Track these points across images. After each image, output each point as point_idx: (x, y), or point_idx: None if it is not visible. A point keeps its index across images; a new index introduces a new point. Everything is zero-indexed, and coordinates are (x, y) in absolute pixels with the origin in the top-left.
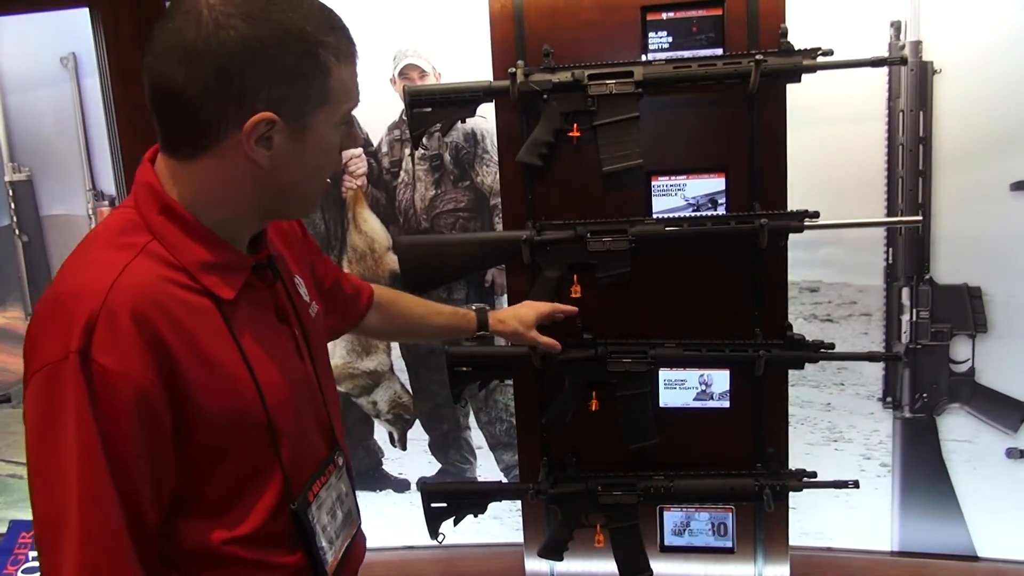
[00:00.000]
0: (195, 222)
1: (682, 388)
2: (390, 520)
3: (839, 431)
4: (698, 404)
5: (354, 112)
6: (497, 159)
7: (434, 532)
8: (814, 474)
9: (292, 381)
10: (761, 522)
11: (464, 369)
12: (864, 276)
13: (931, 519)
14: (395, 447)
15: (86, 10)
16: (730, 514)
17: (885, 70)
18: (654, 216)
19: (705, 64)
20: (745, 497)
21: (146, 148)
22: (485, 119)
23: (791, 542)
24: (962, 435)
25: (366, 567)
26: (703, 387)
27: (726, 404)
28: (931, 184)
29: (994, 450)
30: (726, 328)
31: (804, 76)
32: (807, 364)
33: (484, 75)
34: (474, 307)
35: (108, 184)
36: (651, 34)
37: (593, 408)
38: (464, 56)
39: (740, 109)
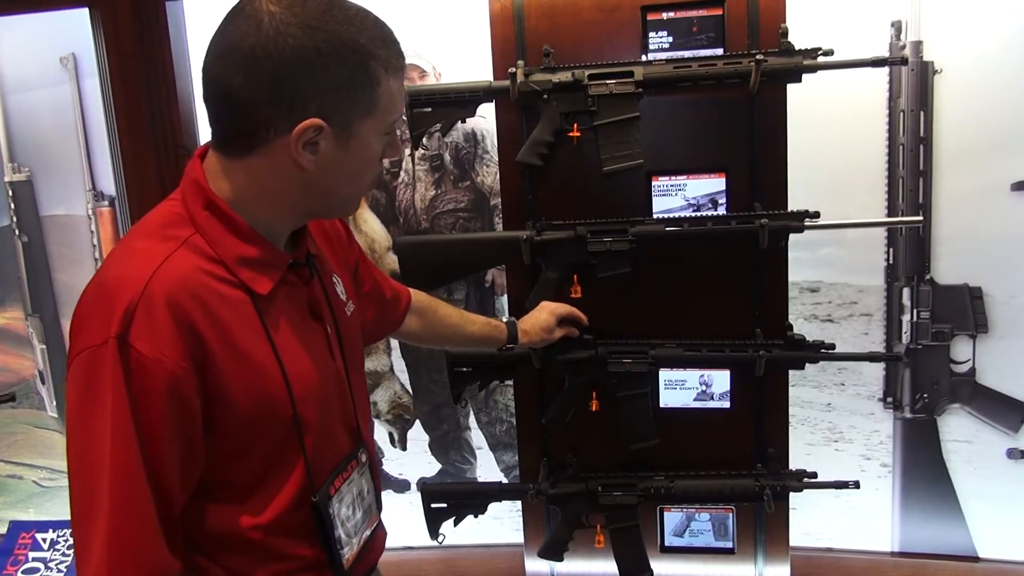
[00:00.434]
0: (237, 218)
1: (682, 388)
2: (390, 520)
3: (839, 431)
4: (698, 404)
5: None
6: (497, 159)
7: (434, 532)
8: (814, 474)
9: (321, 377)
10: (761, 523)
11: (464, 369)
12: (865, 276)
13: (932, 520)
14: (395, 447)
15: (86, 10)
16: (730, 514)
17: (886, 70)
18: (654, 216)
19: (705, 64)
20: (745, 498)
21: (146, 148)
22: (485, 119)
23: (792, 542)
24: (963, 435)
25: None
26: (703, 387)
27: (726, 404)
28: (932, 184)
29: (995, 450)
30: (726, 328)
31: (805, 76)
32: (807, 364)
33: (484, 75)
34: (504, 319)
35: (108, 184)
36: (651, 34)
37: (593, 408)
38: (464, 56)
39: (740, 109)
